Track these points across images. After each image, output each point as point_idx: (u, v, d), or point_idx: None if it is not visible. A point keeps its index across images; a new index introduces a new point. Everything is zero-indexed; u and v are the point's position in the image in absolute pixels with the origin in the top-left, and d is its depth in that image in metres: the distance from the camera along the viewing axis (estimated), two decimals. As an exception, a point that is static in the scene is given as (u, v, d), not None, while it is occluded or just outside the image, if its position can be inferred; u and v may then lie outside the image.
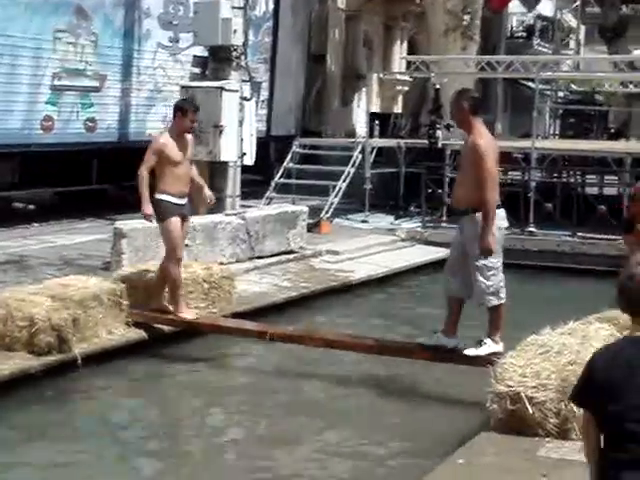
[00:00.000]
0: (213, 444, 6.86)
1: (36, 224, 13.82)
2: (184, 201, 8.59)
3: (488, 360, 6.74)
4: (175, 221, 8.48)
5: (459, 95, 7.60)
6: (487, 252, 7.18)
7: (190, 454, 6.75)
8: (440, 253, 14.16)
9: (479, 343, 7.41)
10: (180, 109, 8.66)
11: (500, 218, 7.36)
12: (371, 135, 17.59)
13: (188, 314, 8.68)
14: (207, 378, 8.32)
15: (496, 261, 7.34)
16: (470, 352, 7.40)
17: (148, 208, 8.40)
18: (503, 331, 7.44)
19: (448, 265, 7.66)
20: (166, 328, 8.78)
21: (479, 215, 7.20)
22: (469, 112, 7.35)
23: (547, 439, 5.89)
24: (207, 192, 8.97)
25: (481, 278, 7.28)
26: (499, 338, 7.41)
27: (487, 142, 7.32)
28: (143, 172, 8.39)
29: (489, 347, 7.36)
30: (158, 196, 8.43)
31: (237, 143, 12.83)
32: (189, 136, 8.69)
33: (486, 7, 21.91)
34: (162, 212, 8.46)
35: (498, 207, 7.32)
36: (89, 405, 7.55)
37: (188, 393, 8.03)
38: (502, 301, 7.38)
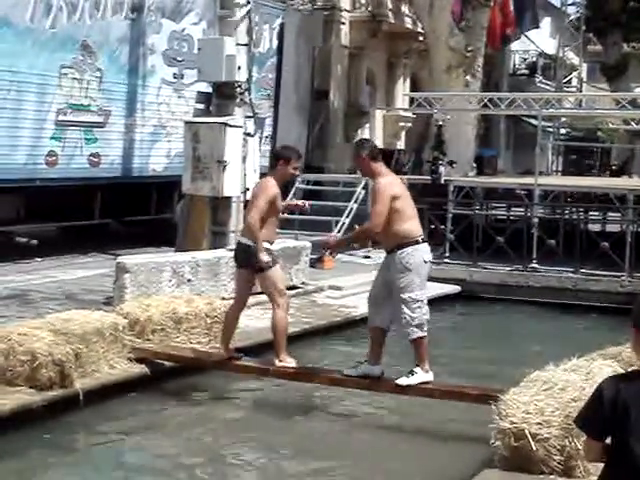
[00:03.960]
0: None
1: (39, 259, 13.83)
2: None
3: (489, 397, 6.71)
4: (279, 268, 8.39)
5: (357, 147, 7.98)
6: (318, 260, 7.64)
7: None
8: (444, 289, 14.19)
9: (410, 373, 7.60)
10: (283, 157, 8.39)
11: (424, 252, 7.63)
12: (374, 171, 17.58)
13: (291, 362, 8.32)
14: (210, 413, 8.27)
15: (421, 294, 7.56)
16: (402, 382, 7.59)
17: (267, 256, 8.15)
18: (429, 361, 7.64)
19: (371, 297, 7.79)
20: (167, 363, 8.75)
21: (402, 251, 7.45)
22: (369, 160, 7.67)
23: (551, 476, 5.84)
24: (296, 201, 8.94)
25: (407, 310, 7.47)
26: (428, 367, 7.61)
27: (387, 183, 7.59)
28: (257, 220, 8.06)
29: (420, 376, 7.58)
30: (264, 245, 8.14)
31: (240, 179, 12.86)
32: None
33: (488, 45, 22.09)
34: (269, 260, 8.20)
35: (423, 241, 7.63)
36: (90, 441, 7.49)
37: (191, 429, 7.97)
38: (424, 334, 7.57)
